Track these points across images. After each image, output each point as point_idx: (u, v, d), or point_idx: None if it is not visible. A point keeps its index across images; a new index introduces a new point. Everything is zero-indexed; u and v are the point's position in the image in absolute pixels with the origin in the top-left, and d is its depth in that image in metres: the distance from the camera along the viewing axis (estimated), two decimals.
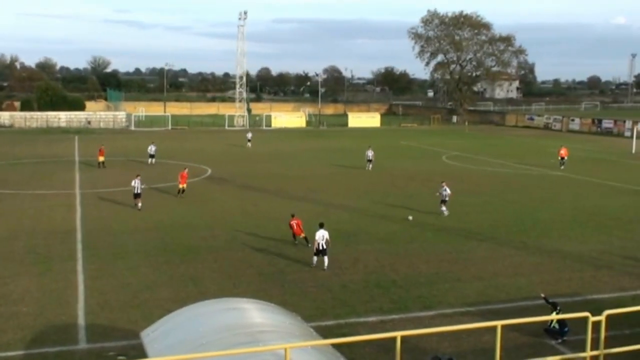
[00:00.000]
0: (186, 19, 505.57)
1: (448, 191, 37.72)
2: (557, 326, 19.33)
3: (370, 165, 56.02)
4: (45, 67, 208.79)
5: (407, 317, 21.63)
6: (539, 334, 19.68)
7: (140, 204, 37.77)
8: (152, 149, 59.11)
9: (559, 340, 19.33)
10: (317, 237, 26.48)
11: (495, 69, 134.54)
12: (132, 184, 38.27)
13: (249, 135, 78.85)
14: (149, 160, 58.49)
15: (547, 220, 36.86)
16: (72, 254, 28.44)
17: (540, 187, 48.74)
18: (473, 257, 28.95)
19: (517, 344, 19.05)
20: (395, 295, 23.73)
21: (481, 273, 26.56)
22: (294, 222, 30.63)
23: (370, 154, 56.60)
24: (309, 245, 29.82)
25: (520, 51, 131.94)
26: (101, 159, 56.13)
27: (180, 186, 41.52)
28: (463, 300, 23.23)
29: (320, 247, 26.35)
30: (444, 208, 37.42)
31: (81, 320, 20.95)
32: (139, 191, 38.00)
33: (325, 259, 26.29)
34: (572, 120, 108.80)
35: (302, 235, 30.45)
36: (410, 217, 36.59)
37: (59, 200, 40.85)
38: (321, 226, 26.90)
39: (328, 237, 26.52)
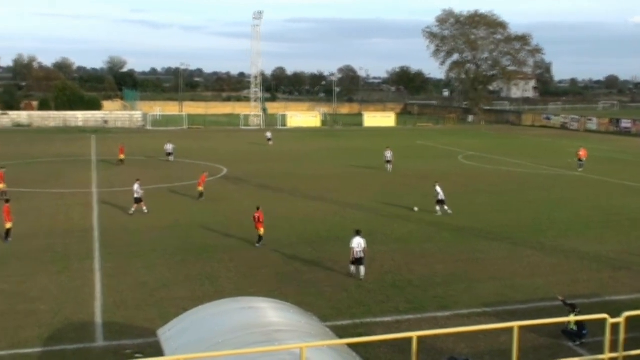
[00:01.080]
0: (202, 18, 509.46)
1: (439, 190, 37.89)
2: (575, 328, 19.18)
3: (390, 166, 55.24)
4: (62, 67, 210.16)
5: (423, 317, 21.58)
6: (556, 335, 19.56)
7: (145, 208, 36.78)
8: (168, 147, 60.01)
9: (577, 342, 19.19)
10: (353, 245, 25.02)
11: (511, 68, 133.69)
12: (134, 187, 37.35)
13: (269, 134, 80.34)
14: (168, 158, 59.39)
15: (565, 220, 36.64)
16: (90, 253, 28.62)
17: (558, 187, 48.46)
18: (489, 257, 28.84)
19: (534, 346, 18.96)
20: (411, 295, 23.67)
21: (498, 273, 26.45)
22: (257, 215, 30.19)
23: (389, 154, 55.85)
24: (258, 245, 29.71)
25: (537, 50, 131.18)
26: (121, 156, 56.97)
27: (199, 189, 41.23)
28: (479, 301, 23.14)
29: (357, 256, 24.94)
30: (445, 207, 37.66)
31: (98, 318, 21.09)
32: (139, 195, 36.92)
33: (362, 268, 25.04)
34: (590, 120, 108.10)
35: (261, 230, 29.98)
36: (416, 208, 38.35)
37: (76, 199, 41.09)
38: (357, 233, 25.34)
39: (365, 245, 25.09)
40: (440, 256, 28.83)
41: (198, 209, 38.36)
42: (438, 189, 37.91)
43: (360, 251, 24.89)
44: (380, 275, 25.76)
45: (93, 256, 28.10)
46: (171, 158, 59.63)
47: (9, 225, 30.67)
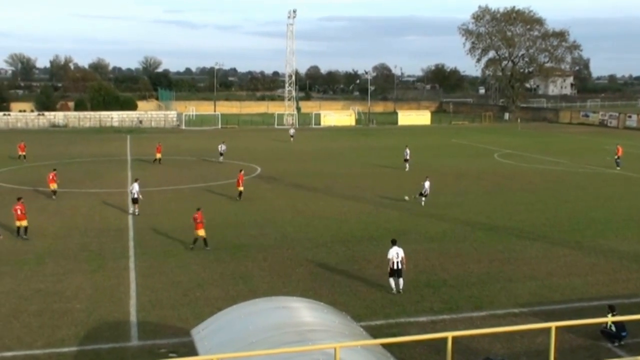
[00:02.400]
0: (236, 18, 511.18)
1: (427, 186, 39.32)
2: (614, 329, 18.89)
3: (407, 165, 54.91)
4: (98, 68, 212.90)
5: (458, 317, 21.43)
6: (595, 336, 19.28)
7: (137, 210, 36.59)
8: (222, 147, 60.82)
9: (616, 343, 18.90)
10: (390, 256, 23.67)
11: (548, 65, 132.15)
12: (130, 188, 36.97)
13: (292, 131, 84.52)
14: (220, 158, 59.96)
15: (603, 219, 36.10)
16: (124, 252, 28.94)
17: (596, 185, 47.79)
18: (526, 256, 28.53)
19: (572, 346, 18.73)
20: (446, 295, 23.53)
21: (534, 273, 26.16)
22: (196, 216, 29.57)
23: (407, 153, 55.56)
24: (192, 247, 29.12)
25: (575, 46, 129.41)
26: (158, 155, 57.81)
27: (239, 189, 41.17)
28: (515, 301, 22.92)
29: (395, 267, 23.57)
30: (423, 198, 39.27)
31: (133, 318, 21.31)
32: (136, 196, 36.59)
33: (401, 280, 23.70)
34: (629, 117, 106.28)
35: (201, 233, 29.20)
36: (407, 197, 40.11)
37: (111, 198, 41.53)
38: (394, 243, 24.07)
39: (403, 255, 23.69)
40: (475, 255, 28.61)
41: (232, 208, 38.55)
42: (426, 184, 39.36)
43: (398, 262, 23.66)
44: (414, 274, 25.60)
45: (128, 255, 28.41)
46: (220, 159, 59.78)
47: (20, 223, 30.99)
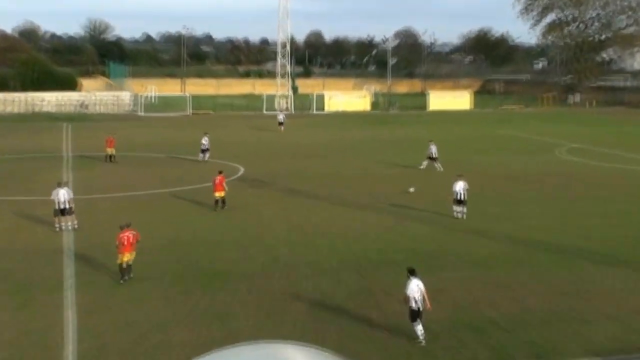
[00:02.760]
0: None
1: (458, 188, 39.20)
2: None
3: (438, 165, 54.53)
4: (26, 34, 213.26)
5: None
6: None
7: (75, 223, 36.57)
8: (205, 141, 60.41)
9: None
10: (410, 292, 22.70)
11: (629, 29, 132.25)
12: (53, 196, 36.55)
13: (281, 117, 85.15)
14: (200, 156, 59.62)
15: None
16: (59, 282, 28.67)
17: None
18: (603, 288, 28.32)
19: None
20: (495, 339, 23.32)
21: (615, 311, 25.92)
22: (126, 235, 28.59)
23: (433, 149, 55.26)
24: (124, 280, 28.39)
25: None
26: (110, 151, 58.31)
27: (217, 195, 41.02)
28: (590, 348, 22.73)
29: (419, 307, 22.75)
30: (459, 209, 39.23)
31: None
32: (64, 206, 36.33)
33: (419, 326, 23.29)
34: None
35: (126, 256, 28.43)
36: (412, 189, 41.40)
37: (43, 209, 41.18)
38: (412, 274, 23.09)
39: (424, 289, 22.88)
40: (535, 287, 28.38)
41: (206, 222, 38.36)
42: (458, 187, 39.21)
43: (419, 298, 22.79)
44: (451, 312, 25.39)
45: (64, 286, 28.14)
46: (206, 156, 59.35)
47: None
